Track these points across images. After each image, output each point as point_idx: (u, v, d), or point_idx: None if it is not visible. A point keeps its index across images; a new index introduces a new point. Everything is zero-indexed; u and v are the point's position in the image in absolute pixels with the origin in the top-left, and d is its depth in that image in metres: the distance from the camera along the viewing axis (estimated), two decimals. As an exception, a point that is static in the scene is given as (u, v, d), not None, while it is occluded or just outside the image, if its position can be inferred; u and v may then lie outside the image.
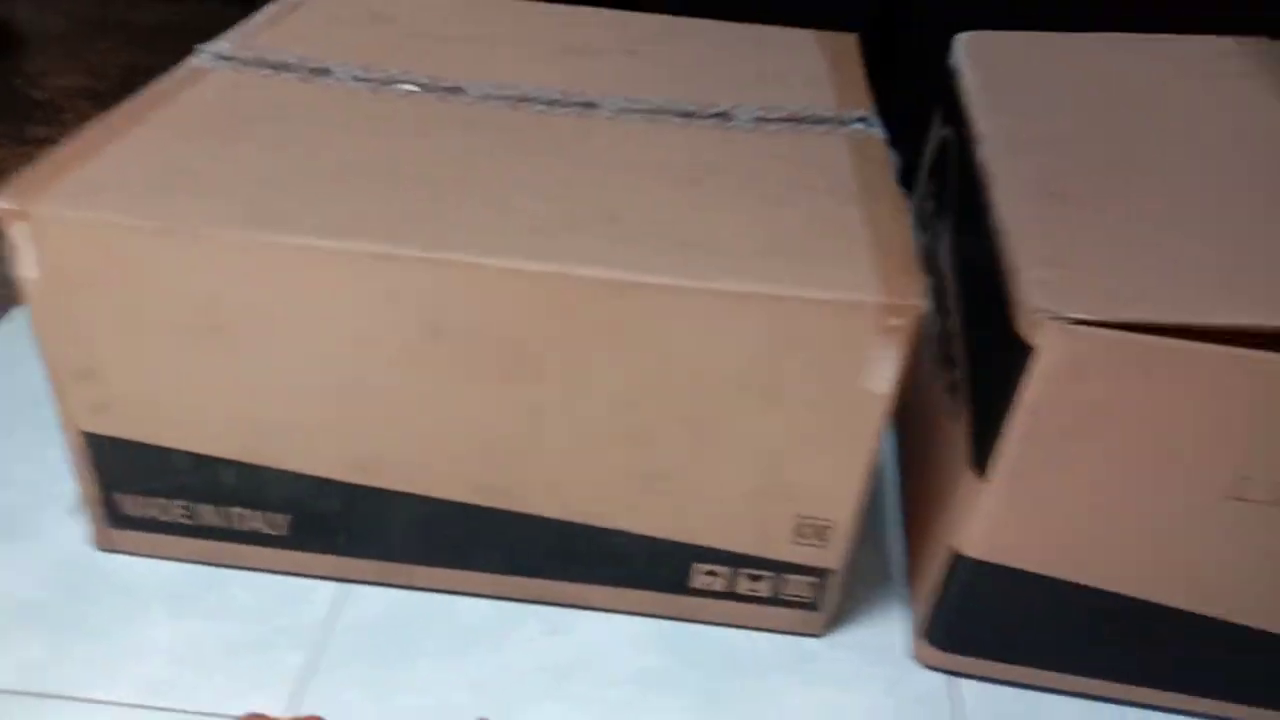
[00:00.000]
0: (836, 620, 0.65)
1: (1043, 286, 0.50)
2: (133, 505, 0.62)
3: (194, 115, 0.61)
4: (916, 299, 0.50)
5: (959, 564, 0.57)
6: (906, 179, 0.81)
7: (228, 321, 0.54)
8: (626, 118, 0.65)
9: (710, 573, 0.61)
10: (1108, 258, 0.52)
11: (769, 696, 0.60)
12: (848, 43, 0.80)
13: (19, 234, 0.52)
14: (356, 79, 0.66)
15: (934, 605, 0.60)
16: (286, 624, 0.61)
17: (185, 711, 0.56)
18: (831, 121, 0.67)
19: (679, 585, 0.62)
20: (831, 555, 0.59)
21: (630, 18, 0.81)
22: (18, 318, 0.84)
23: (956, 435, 0.59)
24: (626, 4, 0.84)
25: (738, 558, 0.60)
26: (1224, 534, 0.53)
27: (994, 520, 0.55)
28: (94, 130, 0.58)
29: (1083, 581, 0.56)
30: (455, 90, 0.66)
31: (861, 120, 0.67)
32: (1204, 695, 0.59)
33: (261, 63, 0.68)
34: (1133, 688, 0.60)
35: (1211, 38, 0.77)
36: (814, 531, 0.58)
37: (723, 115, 0.67)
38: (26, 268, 0.53)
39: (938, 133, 0.79)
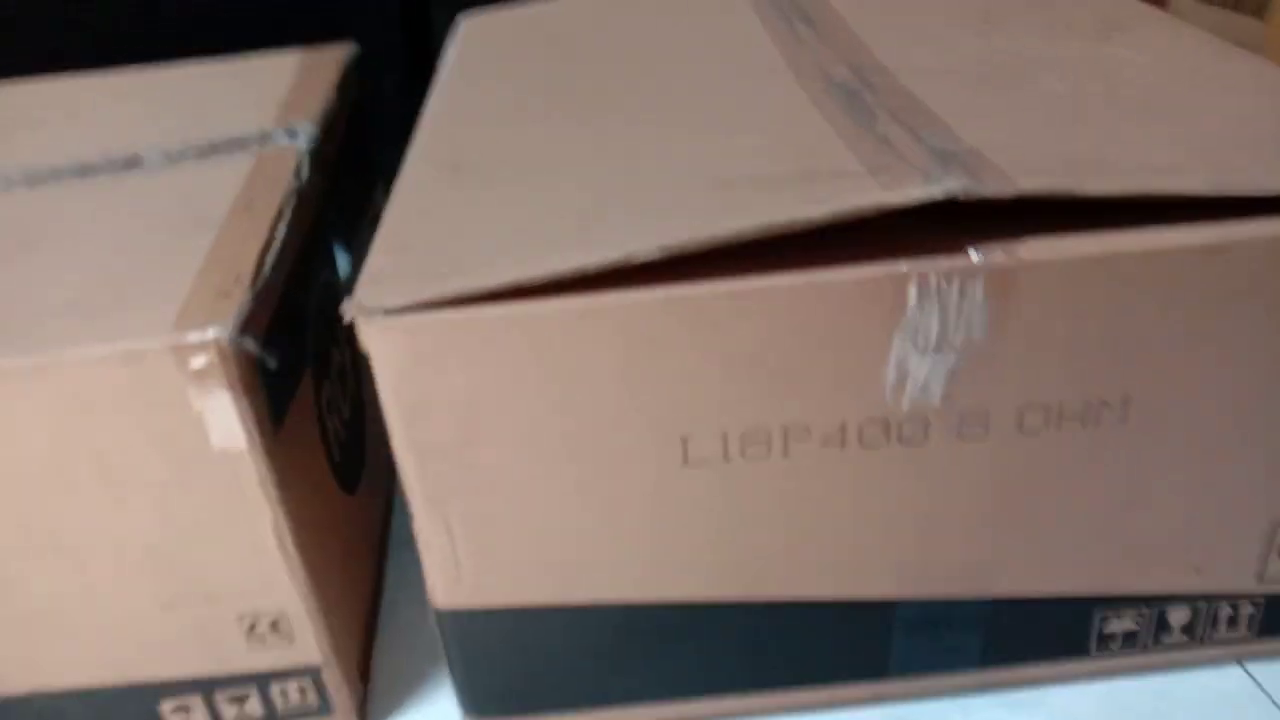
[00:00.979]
0: (378, 714, 0.54)
1: (374, 278, 0.41)
2: None
3: None
4: (217, 330, 0.40)
5: (441, 619, 0.47)
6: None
7: None
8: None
9: (181, 708, 0.50)
10: (459, 229, 0.43)
11: (279, 838, 0.49)
12: (333, 55, 0.72)
13: None
14: None
15: (453, 670, 0.50)
16: None
17: None
18: (253, 141, 0.57)
19: (155, 733, 0.50)
20: (307, 649, 0.49)
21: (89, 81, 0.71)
22: None
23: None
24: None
25: (200, 684, 0.49)
26: (698, 505, 0.44)
27: (443, 559, 0.45)
28: None
29: (578, 601, 0.47)
30: None
31: (291, 134, 0.58)
32: (775, 688, 0.51)
33: None
34: (699, 701, 0.51)
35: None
36: (268, 627, 0.48)
37: (130, 162, 0.57)
38: None
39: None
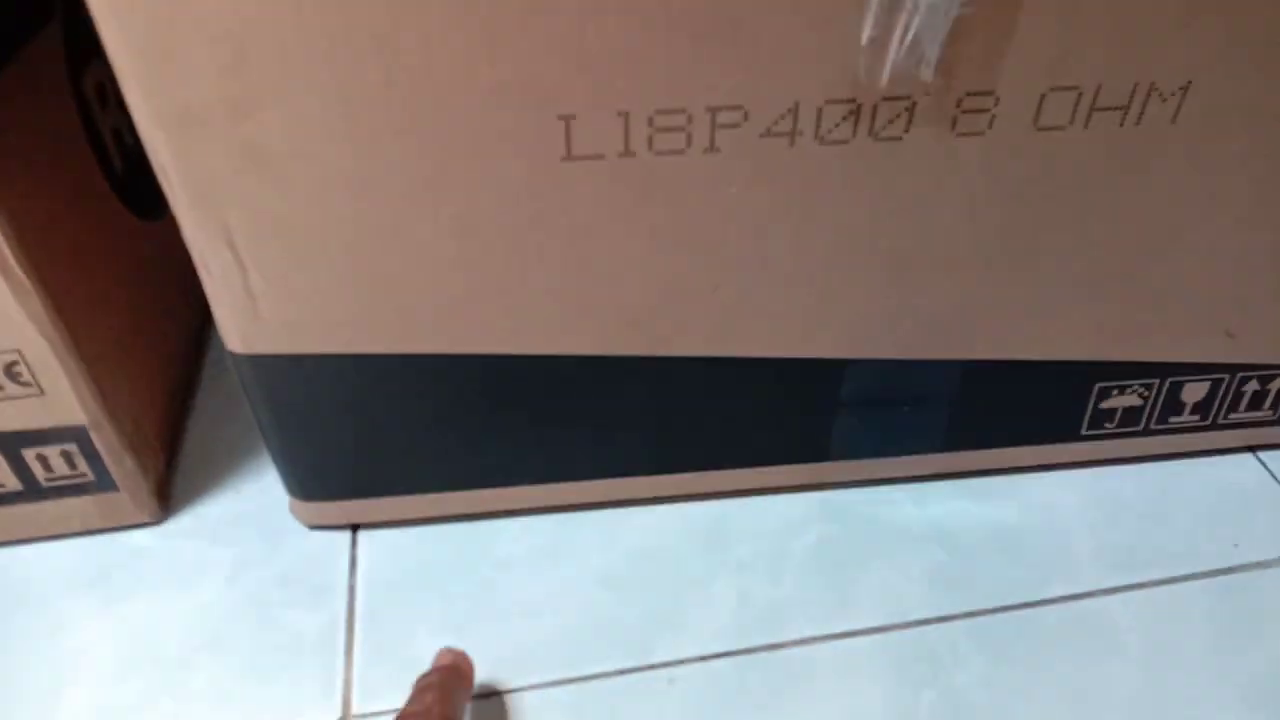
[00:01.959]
0: (184, 498, 0.43)
1: None
2: None
3: None
4: None
5: (241, 369, 0.35)
6: None
7: None
8: None
9: (-97, 478, 0.38)
10: None
11: (65, 629, 0.38)
12: None
13: None
14: None
15: (267, 440, 0.39)
16: None
17: None
18: None
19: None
20: (64, 405, 0.37)
21: None
22: None
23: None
24: None
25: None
26: (584, 218, 0.32)
27: (231, 289, 0.32)
28: None
29: (420, 350, 0.35)
30: None
31: None
32: (684, 469, 0.40)
33: None
34: (586, 483, 0.40)
35: None
36: (2, 371, 0.35)
37: None
38: None
39: None
